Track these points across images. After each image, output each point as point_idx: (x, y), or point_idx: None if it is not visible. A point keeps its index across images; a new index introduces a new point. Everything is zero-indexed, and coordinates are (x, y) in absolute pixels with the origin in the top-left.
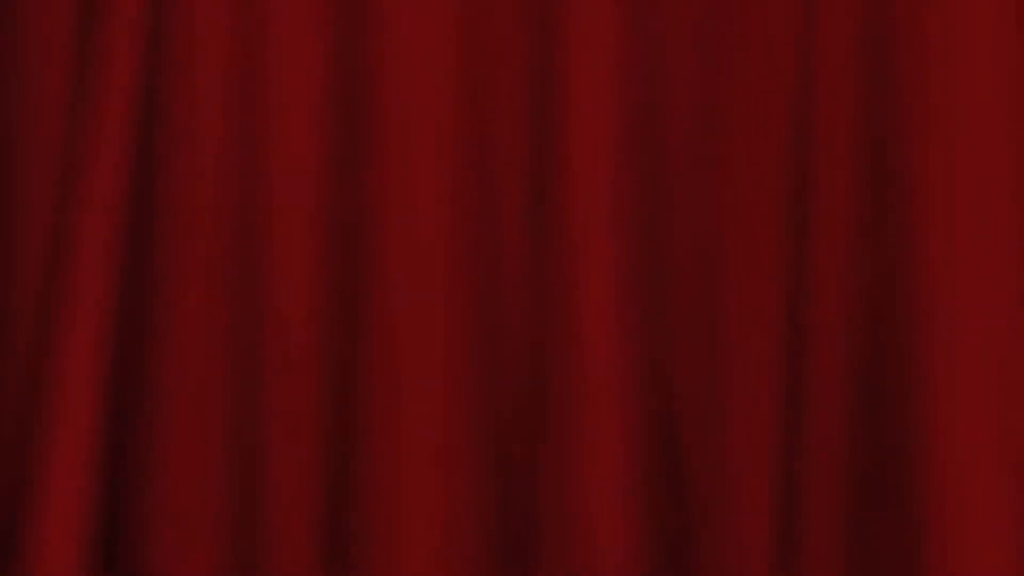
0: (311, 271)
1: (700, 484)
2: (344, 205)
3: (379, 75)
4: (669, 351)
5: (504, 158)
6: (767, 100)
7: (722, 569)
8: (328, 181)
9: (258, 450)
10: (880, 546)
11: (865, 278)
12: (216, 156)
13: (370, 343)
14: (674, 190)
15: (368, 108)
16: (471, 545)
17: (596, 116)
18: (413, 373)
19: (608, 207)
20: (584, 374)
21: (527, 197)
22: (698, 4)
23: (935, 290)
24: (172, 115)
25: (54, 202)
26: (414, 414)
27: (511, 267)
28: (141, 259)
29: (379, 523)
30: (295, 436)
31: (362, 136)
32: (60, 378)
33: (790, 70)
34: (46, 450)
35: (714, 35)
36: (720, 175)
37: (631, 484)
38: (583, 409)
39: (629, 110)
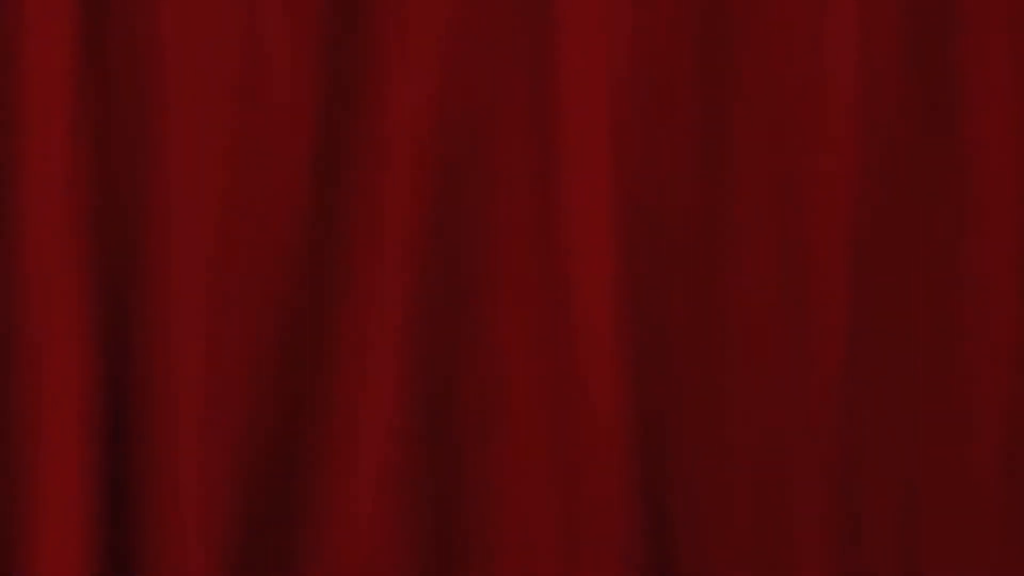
0: (303, 259)
1: (698, 483)
2: (335, 200)
3: (372, 74)
4: (666, 352)
5: (499, 153)
6: (769, 95)
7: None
8: (318, 177)
9: (262, 451)
10: None
11: (874, 282)
12: (209, 152)
13: (341, 347)
14: (673, 186)
15: (362, 106)
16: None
17: (591, 107)
18: (373, 374)
19: (605, 204)
20: (577, 381)
21: (521, 186)
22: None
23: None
24: (166, 114)
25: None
26: (365, 394)
27: (507, 262)
28: (135, 257)
29: (327, 530)
30: (296, 433)
31: (353, 133)
32: (52, 376)
33: (792, 68)
34: (42, 450)
35: (715, 27)
36: (719, 169)
37: (625, 484)
38: (577, 419)
39: (624, 105)
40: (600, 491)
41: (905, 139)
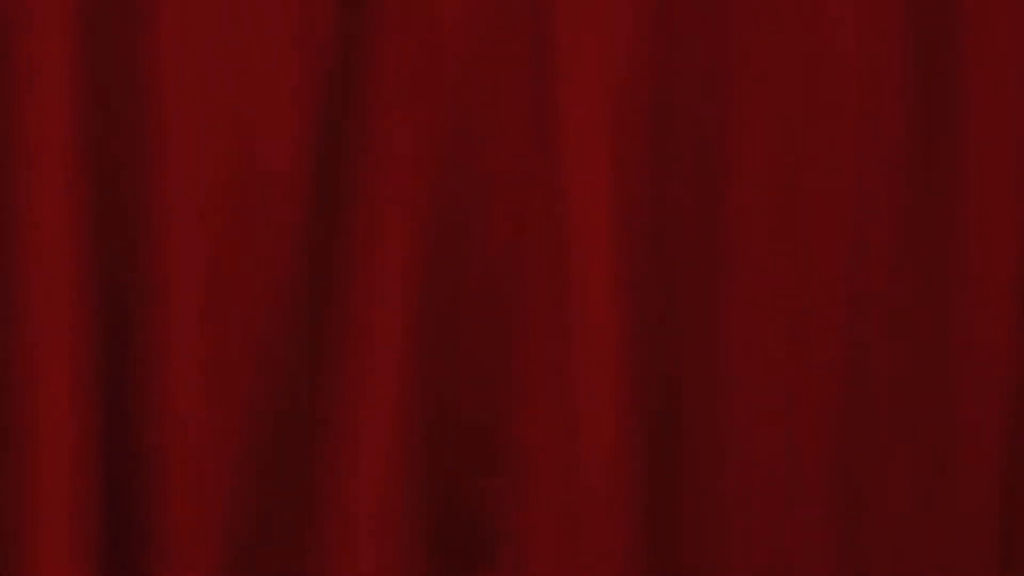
0: (305, 259)
1: (698, 483)
2: (336, 200)
3: (373, 74)
4: (668, 352)
5: (500, 156)
6: (769, 95)
7: (709, 566)
8: (320, 177)
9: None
10: None
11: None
12: (200, 151)
13: (344, 340)
14: (676, 182)
15: (363, 106)
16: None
17: (592, 108)
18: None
19: (605, 205)
20: (577, 379)
21: (519, 188)
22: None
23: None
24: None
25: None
26: (373, 398)
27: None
28: (135, 258)
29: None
30: (298, 435)
31: (354, 134)
32: (51, 377)
33: (793, 69)
34: (41, 450)
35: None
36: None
37: (624, 479)
38: (576, 415)
39: (625, 106)
40: (602, 491)
41: (905, 139)
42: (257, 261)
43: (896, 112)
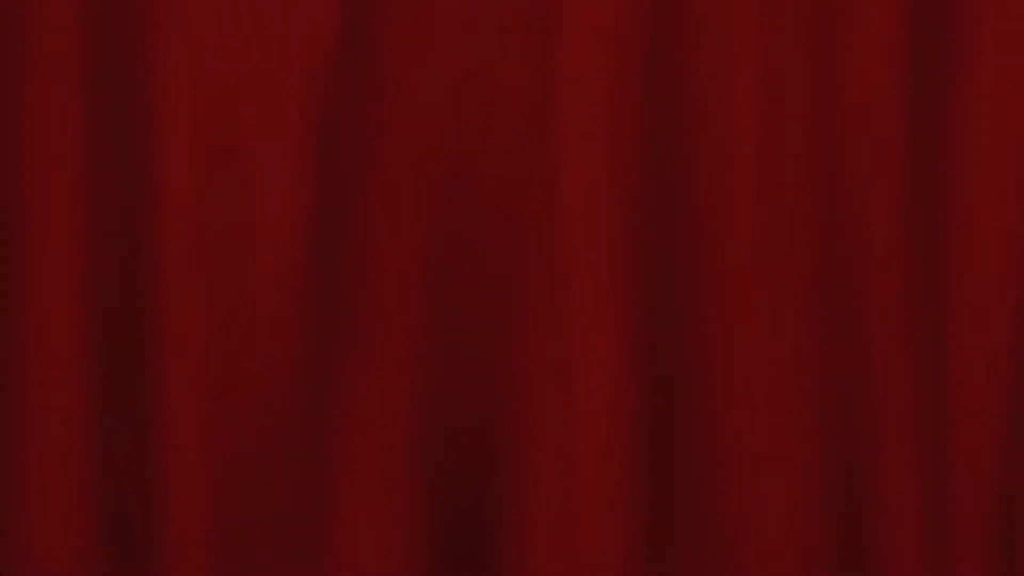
0: (295, 267)
1: (698, 483)
2: (327, 211)
3: (376, 75)
4: (668, 346)
5: (501, 158)
6: (770, 94)
7: (707, 564)
8: (309, 189)
9: (258, 453)
10: None
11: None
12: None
13: (351, 344)
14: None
15: (361, 105)
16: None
17: (591, 109)
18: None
19: (604, 203)
20: (575, 374)
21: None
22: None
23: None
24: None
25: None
26: (378, 414)
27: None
28: (130, 256)
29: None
30: (304, 437)
31: (350, 132)
32: (54, 378)
33: (793, 68)
34: (44, 451)
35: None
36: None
37: (621, 479)
38: (571, 417)
39: (624, 105)
40: (601, 491)
41: (906, 139)
42: (258, 261)
43: (896, 112)
